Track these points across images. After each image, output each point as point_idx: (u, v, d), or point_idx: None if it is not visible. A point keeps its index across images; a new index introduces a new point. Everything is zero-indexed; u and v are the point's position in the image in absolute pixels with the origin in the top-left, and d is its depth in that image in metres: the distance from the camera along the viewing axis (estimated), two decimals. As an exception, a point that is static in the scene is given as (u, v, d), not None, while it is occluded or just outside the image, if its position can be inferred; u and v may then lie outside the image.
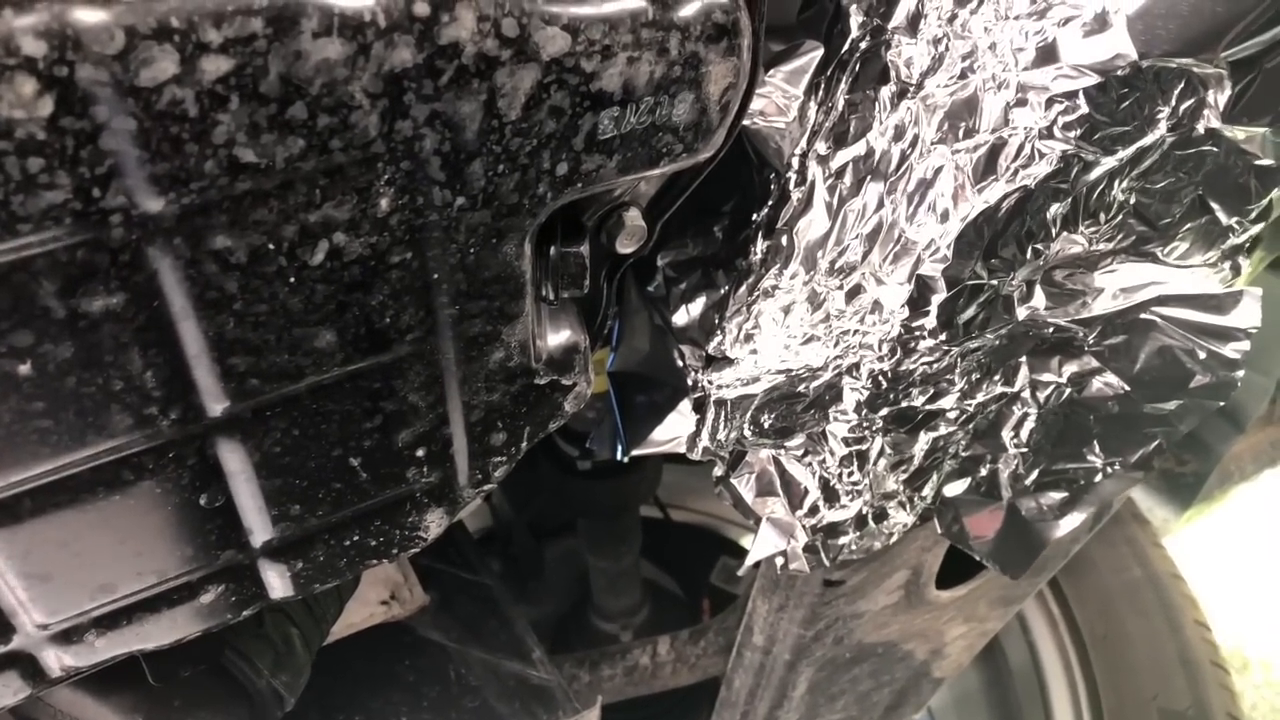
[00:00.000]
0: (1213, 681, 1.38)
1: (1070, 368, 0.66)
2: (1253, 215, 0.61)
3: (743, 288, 0.62)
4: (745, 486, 0.72)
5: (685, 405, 0.70)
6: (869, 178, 0.57)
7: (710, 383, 0.66)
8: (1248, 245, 0.63)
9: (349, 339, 0.45)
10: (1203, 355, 0.63)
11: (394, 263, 0.43)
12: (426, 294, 0.46)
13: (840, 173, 0.58)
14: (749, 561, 0.75)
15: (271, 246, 0.40)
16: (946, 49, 0.54)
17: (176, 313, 0.40)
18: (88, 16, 0.32)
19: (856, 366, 0.62)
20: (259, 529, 0.50)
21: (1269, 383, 1.53)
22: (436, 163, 0.41)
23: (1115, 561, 1.50)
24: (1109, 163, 0.54)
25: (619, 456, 0.76)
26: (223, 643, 0.73)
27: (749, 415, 0.66)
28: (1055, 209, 0.55)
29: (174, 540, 0.48)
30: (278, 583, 0.54)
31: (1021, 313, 0.61)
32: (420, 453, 0.53)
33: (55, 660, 0.50)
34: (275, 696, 0.75)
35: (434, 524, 0.58)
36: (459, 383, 0.51)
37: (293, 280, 0.41)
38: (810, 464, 0.70)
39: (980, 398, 0.66)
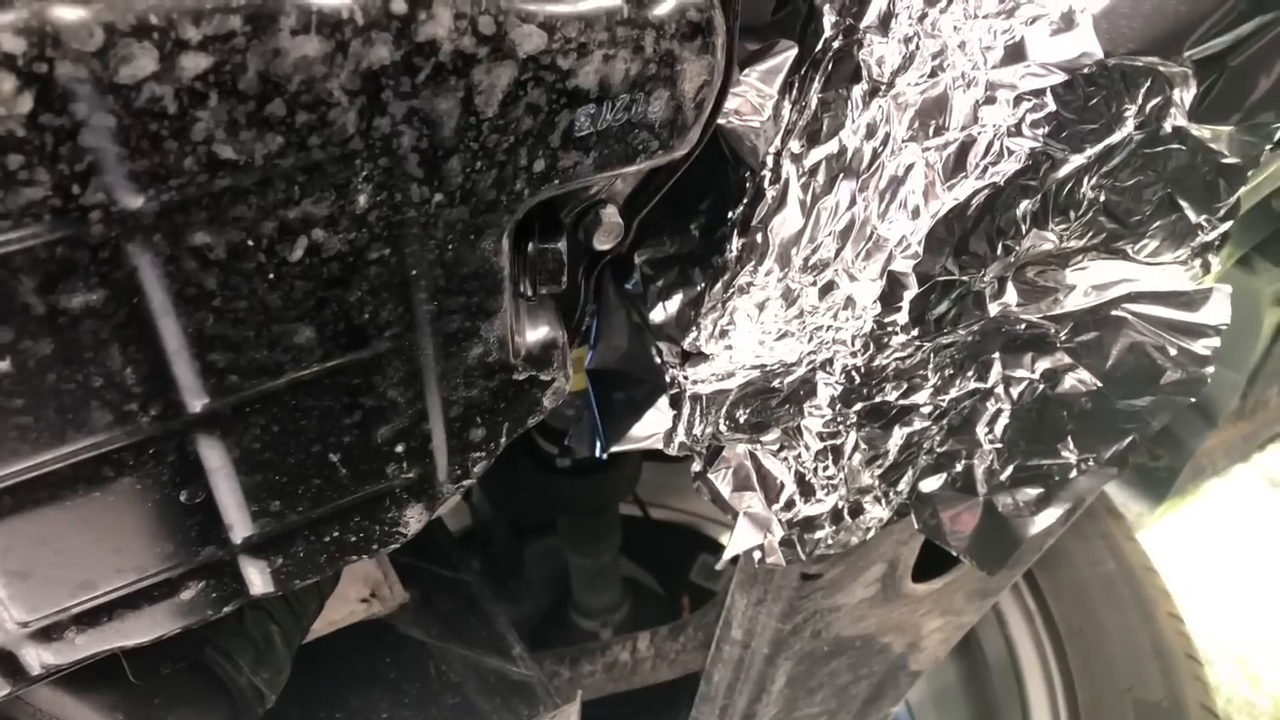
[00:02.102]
0: (1187, 674, 1.40)
1: (1043, 364, 0.67)
2: (1221, 213, 0.62)
3: (718, 285, 0.63)
4: (722, 481, 0.73)
5: (663, 402, 0.71)
6: (842, 175, 0.58)
7: (686, 378, 0.67)
8: (1217, 243, 0.64)
9: (328, 335, 0.45)
10: (1174, 352, 0.64)
11: (372, 259, 0.44)
12: (405, 290, 0.46)
13: (814, 170, 0.59)
14: (726, 555, 0.75)
15: (250, 243, 0.40)
16: (917, 48, 0.54)
17: (156, 309, 0.40)
18: (67, 14, 0.32)
19: (830, 362, 0.63)
20: (239, 525, 0.51)
21: (1240, 378, 1.55)
22: (414, 159, 0.41)
23: (1090, 555, 1.52)
24: (1077, 160, 0.55)
25: (598, 453, 0.76)
26: (203, 640, 0.73)
27: (724, 410, 0.67)
28: (1025, 206, 0.56)
29: (154, 537, 0.48)
30: (258, 579, 0.54)
31: (993, 309, 0.62)
32: (400, 448, 0.53)
33: (35, 658, 0.50)
34: (256, 694, 0.75)
35: (414, 520, 0.58)
36: (438, 378, 0.51)
37: (272, 276, 0.42)
38: (786, 459, 0.70)
39: (954, 393, 0.67)
